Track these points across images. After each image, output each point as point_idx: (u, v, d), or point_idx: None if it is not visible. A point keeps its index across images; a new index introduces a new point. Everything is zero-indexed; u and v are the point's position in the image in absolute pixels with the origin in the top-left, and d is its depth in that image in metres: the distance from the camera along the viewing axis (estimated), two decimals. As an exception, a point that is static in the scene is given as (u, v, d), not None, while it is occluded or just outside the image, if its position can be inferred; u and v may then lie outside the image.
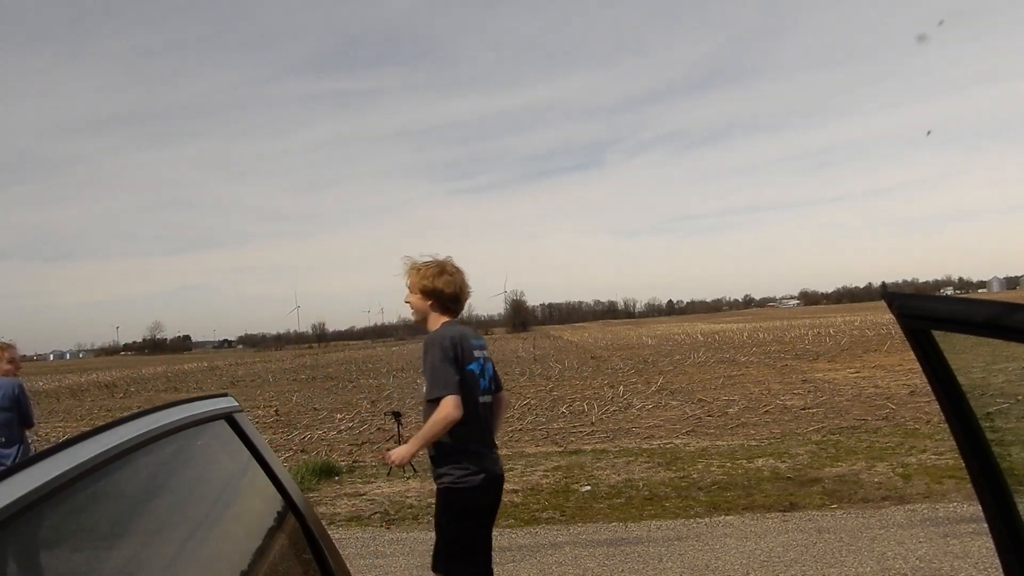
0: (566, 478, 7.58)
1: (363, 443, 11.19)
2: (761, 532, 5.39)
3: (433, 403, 3.09)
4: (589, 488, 7.06)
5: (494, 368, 3.42)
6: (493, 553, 5.39)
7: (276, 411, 16.63)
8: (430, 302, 3.24)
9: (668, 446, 9.14)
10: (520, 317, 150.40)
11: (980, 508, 1.29)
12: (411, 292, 3.28)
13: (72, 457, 0.93)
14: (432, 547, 3.21)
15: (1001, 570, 1.29)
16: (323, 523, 1.73)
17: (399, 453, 3.17)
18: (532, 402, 14.93)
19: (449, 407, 3.02)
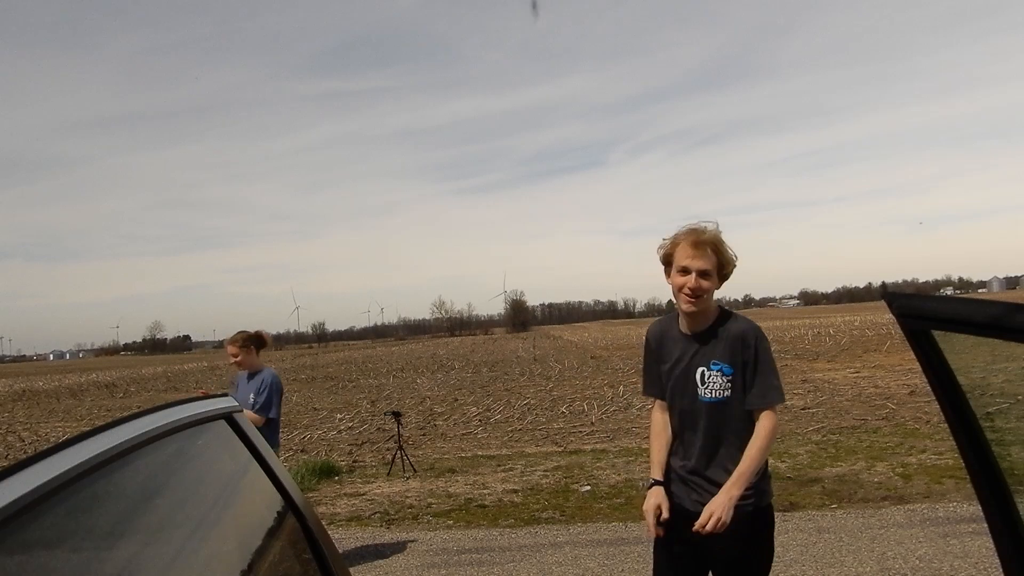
0: (566, 478, 7.58)
1: (363, 443, 11.18)
2: (761, 532, 5.38)
3: (747, 413, 2.44)
4: (589, 488, 7.06)
5: None
6: (493, 554, 5.42)
7: (276, 411, 16.63)
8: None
9: (668, 446, 9.12)
10: (520, 317, 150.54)
11: (980, 508, 1.29)
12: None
13: (72, 457, 0.93)
14: None
15: (1001, 570, 1.29)
16: (323, 523, 1.73)
17: (724, 505, 2.33)
18: (532, 402, 14.93)
19: (776, 418, 2.46)
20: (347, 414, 15.10)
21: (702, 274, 2.41)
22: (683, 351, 2.51)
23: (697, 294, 2.41)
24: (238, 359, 5.10)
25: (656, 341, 2.64)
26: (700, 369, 2.46)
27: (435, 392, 18.98)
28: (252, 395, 4.92)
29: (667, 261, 2.49)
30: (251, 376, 5.06)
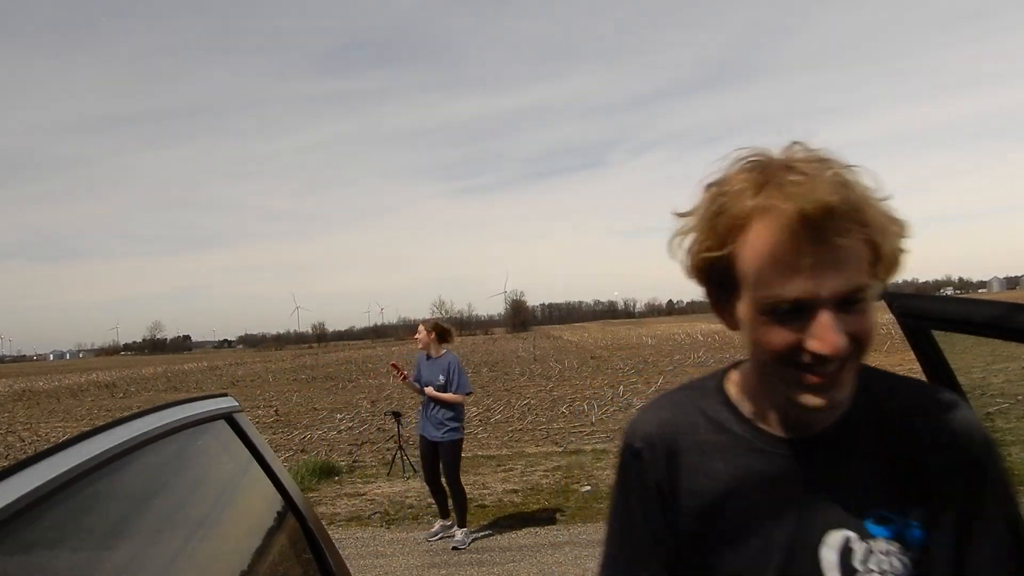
0: (566, 478, 7.58)
1: (363, 443, 11.18)
2: (761, 532, 5.39)
3: None
4: (589, 488, 7.05)
5: None
6: (493, 554, 5.42)
7: (276, 411, 16.63)
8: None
9: (668, 446, 9.13)
10: (520, 317, 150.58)
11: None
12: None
13: (72, 457, 0.93)
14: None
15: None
16: (323, 523, 1.72)
17: None
18: (532, 402, 14.93)
19: None
20: (347, 414, 15.10)
21: (847, 302, 0.81)
22: (773, 488, 0.92)
23: (840, 366, 0.82)
24: (420, 337, 5.69)
25: (665, 460, 0.97)
26: (839, 536, 0.88)
27: (435, 392, 18.98)
28: (442, 376, 5.56)
29: (719, 270, 0.87)
30: (432, 359, 5.67)
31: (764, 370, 0.88)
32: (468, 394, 5.64)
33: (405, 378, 5.77)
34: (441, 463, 5.59)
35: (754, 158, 0.84)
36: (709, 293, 0.91)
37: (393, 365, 5.96)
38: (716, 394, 0.99)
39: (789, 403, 0.86)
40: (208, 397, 1.46)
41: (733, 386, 0.99)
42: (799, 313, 0.81)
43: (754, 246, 0.81)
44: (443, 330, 5.79)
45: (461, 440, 5.64)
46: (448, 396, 5.55)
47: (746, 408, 0.96)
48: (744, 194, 0.82)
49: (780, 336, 0.82)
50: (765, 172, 0.82)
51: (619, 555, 1.00)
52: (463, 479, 5.84)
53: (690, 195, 0.89)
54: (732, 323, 0.90)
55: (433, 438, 5.58)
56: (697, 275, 0.89)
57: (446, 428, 5.54)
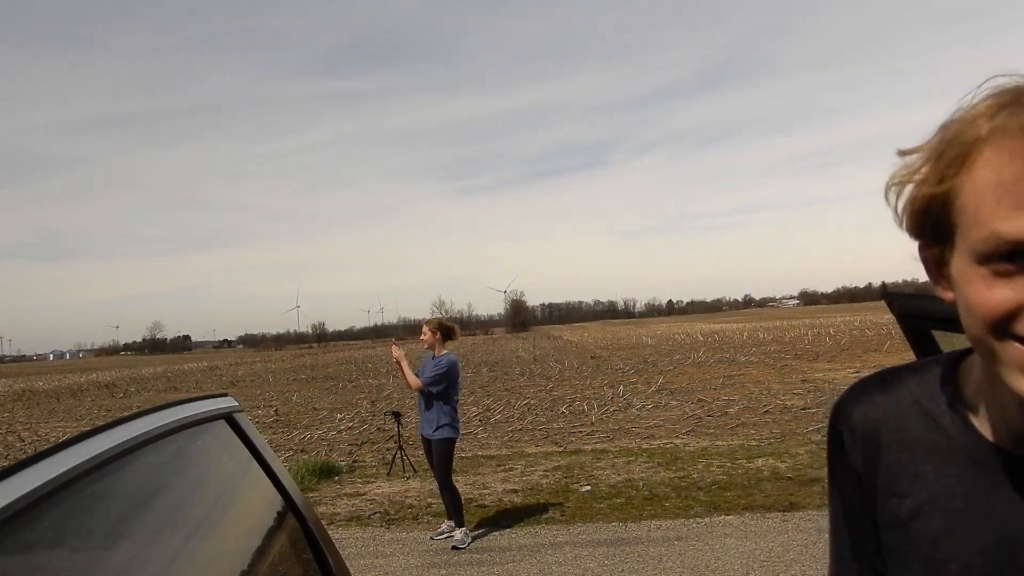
0: (566, 478, 7.58)
1: (363, 443, 11.18)
2: (761, 532, 5.39)
3: None
4: (589, 488, 7.05)
5: None
6: (493, 554, 5.41)
7: (276, 411, 16.62)
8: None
9: (668, 446, 9.14)
10: (520, 317, 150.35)
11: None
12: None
13: (72, 457, 0.93)
14: None
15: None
16: (323, 523, 1.72)
17: None
18: (532, 402, 14.93)
19: None
20: (347, 414, 15.09)
21: None
22: (989, 512, 0.72)
23: None
24: (425, 337, 5.73)
25: (864, 450, 0.83)
26: None
27: (435, 392, 18.95)
28: (431, 371, 5.57)
29: (935, 213, 0.66)
30: (435, 358, 5.71)
31: (979, 351, 0.65)
32: (430, 387, 5.52)
33: (397, 353, 5.78)
34: (433, 461, 5.62)
35: (1006, 81, 0.65)
36: (922, 249, 0.70)
37: (394, 344, 5.99)
38: (941, 383, 0.79)
39: (1014, 399, 0.63)
40: (208, 397, 1.46)
41: (965, 376, 0.78)
42: None
43: (979, 176, 0.61)
44: (447, 329, 5.80)
45: (453, 440, 5.63)
46: (410, 376, 5.61)
47: (974, 406, 0.75)
48: (980, 118, 0.63)
49: (999, 295, 0.60)
50: (1014, 93, 0.63)
51: (832, 542, 0.91)
52: (462, 479, 5.85)
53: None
54: (946, 287, 0.69)
55: (428, 436, 5.61)
56: (911, 224, 0.69)
57: (436, 427, 5.56)
